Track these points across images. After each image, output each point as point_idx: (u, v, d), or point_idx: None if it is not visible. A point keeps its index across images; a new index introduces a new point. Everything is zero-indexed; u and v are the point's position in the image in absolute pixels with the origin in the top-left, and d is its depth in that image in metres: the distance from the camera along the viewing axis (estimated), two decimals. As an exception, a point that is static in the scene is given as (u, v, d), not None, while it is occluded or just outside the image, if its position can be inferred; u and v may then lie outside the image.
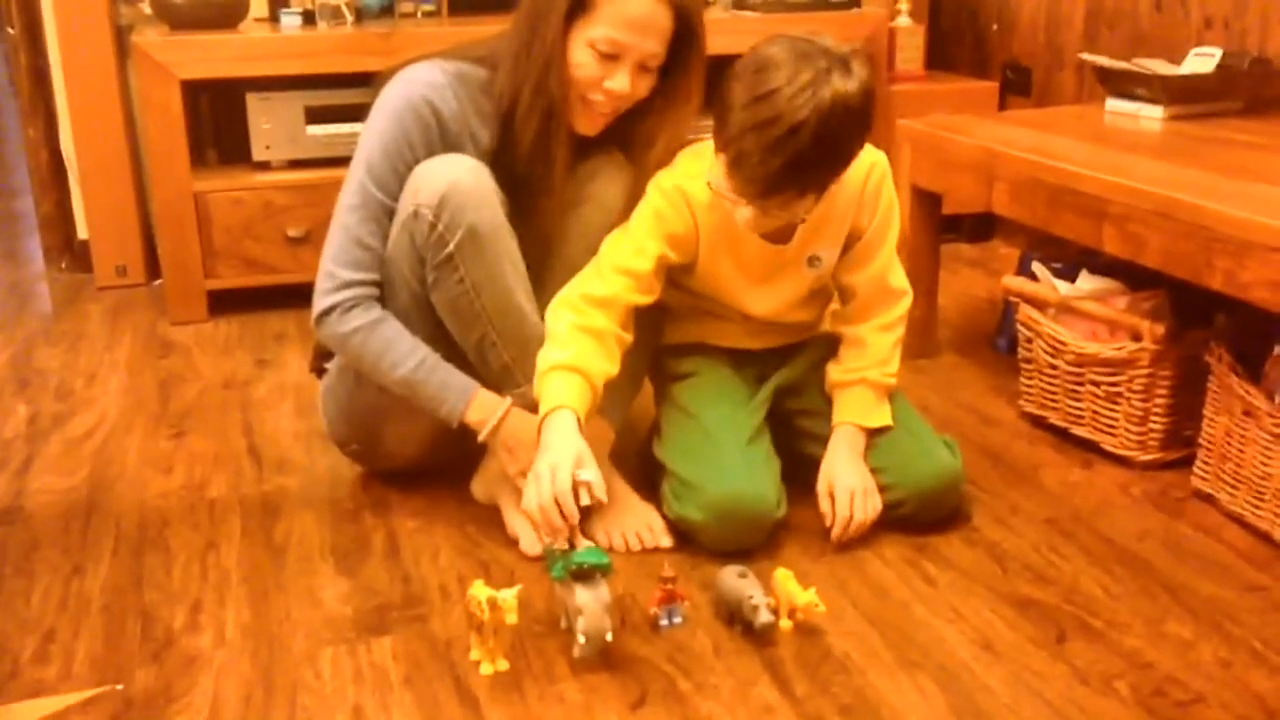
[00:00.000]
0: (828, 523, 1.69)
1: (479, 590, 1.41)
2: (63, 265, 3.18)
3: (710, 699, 1.38)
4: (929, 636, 1.49)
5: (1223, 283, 1.67)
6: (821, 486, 1.72)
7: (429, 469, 1.89)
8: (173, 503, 1.88)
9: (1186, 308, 1.94)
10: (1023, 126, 2.29)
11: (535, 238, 1.71)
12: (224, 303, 2.79)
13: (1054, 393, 2.05)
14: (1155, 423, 1.91)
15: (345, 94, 2.73)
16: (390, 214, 1.66)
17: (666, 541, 1.70)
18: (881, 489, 1.71)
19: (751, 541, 1.66)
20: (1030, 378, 2.11)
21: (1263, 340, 1.73)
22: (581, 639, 1.40)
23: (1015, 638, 1.49)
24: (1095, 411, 1.98)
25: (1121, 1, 2.82)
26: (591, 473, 1.47)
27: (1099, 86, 2.47)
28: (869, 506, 1.69)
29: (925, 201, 2.35)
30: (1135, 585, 1.61)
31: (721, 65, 1.58)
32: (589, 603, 1.39)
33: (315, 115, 2.77)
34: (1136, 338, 1.90)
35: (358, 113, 1.84)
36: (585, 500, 1.45)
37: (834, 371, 1.78)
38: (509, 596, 1.39)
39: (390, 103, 1.66)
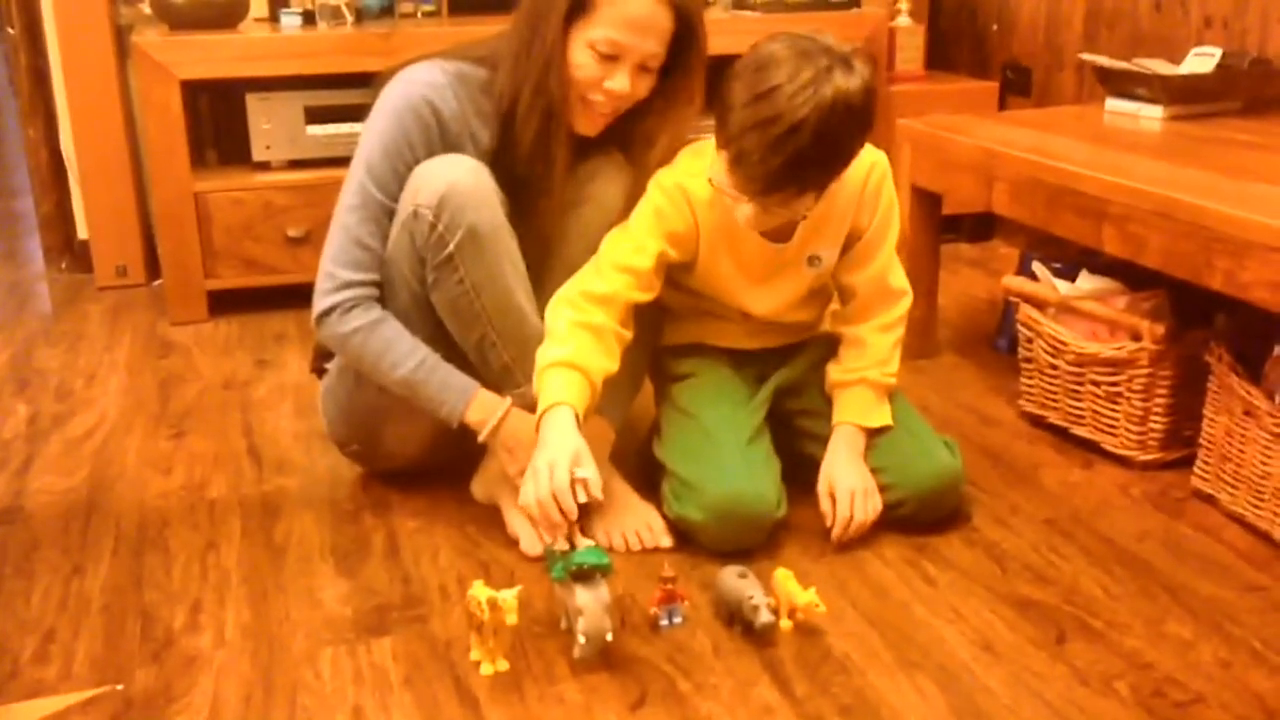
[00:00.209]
0: (828, 523, 1.69)
1: (479, 590, 1.41)
2: (63, 265, 3.18)
3: (710, 699, 1.38)
4: (929, 637, 1.49)
5: (1223, 283, 1.67)
6: (822, 487, 1.72)
7: (429, 469, 1.89)
8: (173, 503, 1.89)
9: (1186, 308, 1.94)
10: (1023, 126, 2.29)
11: (535, 238, 1.71)
12: (224, 303, 2.79)
13: (1054, 393, 2.05)
14: (1155, 423, 1.91)
15: (345, 94, 2.73)
16: (390, 214, 1.66)
17: (666, 541, 1.70)
18: (881, 489, 1.71)
19: (751, 542, 1.66)
20: (1030, 377, 2.11)
21: (1263, 340, 1.73)
22: (581, 639, 1.40)
23: (1015, 638, 1.49)
24: (1095, 411, 1.98)
25: (1121, 1, 2.82)
26: (589, 470, 1.47)
27: (1099, 86, 2.47)
28: (869, 507, 1.69)
29: (925, 201, 2.35)
30: (1135, 585, 1.61)
31: (722, 65, 1.58)
32: (589, 603, 1.39)
33: (315, 115, 2.77)
34: (1136, 338, 1.90)
35: (358, 113, 1.84)
36: (583, 497, 1.45)
37: (834, 371, 1.78)
38: (509, 597, 1.39)
39: (390, 103, 1.66)
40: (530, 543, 1.68)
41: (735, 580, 1.50)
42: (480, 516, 1.79)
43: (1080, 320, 2.01)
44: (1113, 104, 2.40)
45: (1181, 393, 1.89)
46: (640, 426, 1.92)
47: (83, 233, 3.13)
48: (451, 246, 1.60)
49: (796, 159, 1.47)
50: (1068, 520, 1.78)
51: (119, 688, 1.42)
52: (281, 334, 2.68)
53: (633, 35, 1.59)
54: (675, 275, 1.74)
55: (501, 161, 1.67)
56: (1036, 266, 2.15)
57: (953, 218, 3.01)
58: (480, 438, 1.68)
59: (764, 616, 1.44)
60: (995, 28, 3.27)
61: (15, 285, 3.12)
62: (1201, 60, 2.34)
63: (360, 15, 2.89)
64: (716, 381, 1.79)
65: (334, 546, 1.74)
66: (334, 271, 1.67)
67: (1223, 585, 1.61)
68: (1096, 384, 1.96)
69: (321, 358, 1.87)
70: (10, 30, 3.00)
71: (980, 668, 1.43)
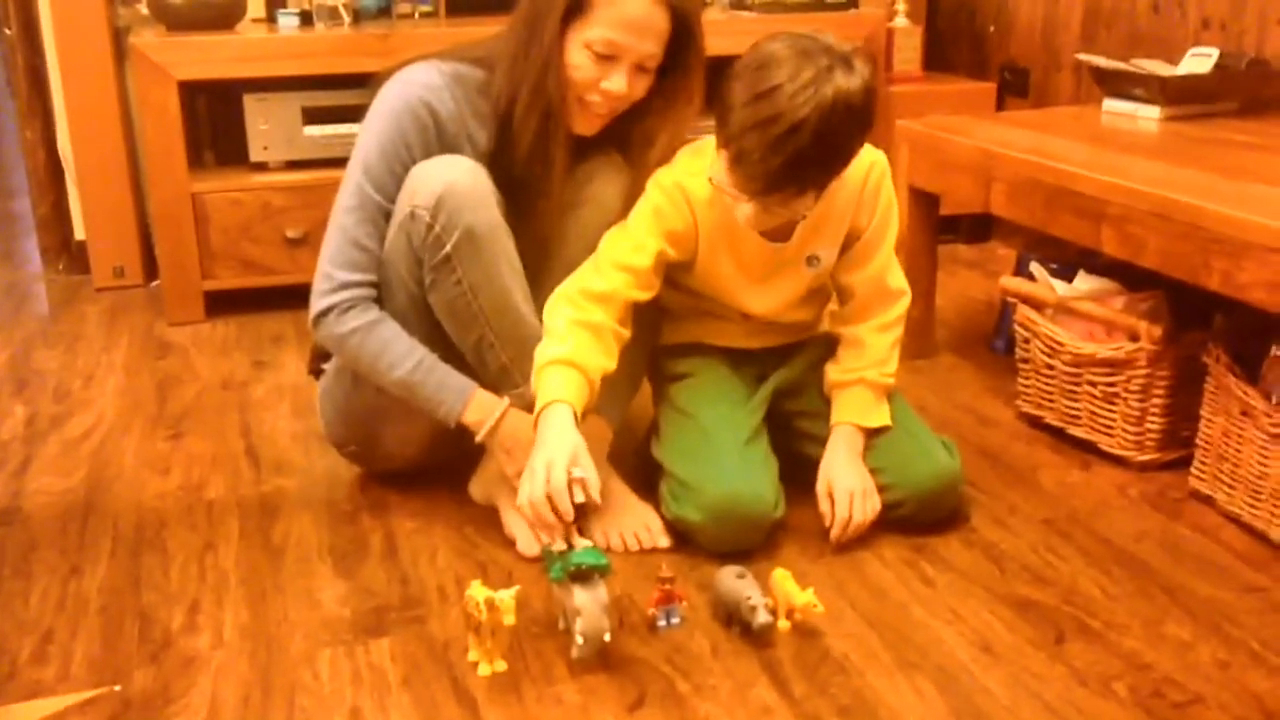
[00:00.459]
0: (827, 523, 1.69)
1: (477, 591, 1.41)
2: (60, 266, 3.18)
3: (708, 700, 1.38)
4: (927, 637, 1.49)
5: (1220, 283, 1.67)
6: (821, 487, 1.72)
7: (427, 470, 1.88)
8: (170, 504, 1.88)
9: (1184, 308, 1.94)
10: (1020, 127, 2.29)
11: (533, 239, 1.71)
12: (221, 304, 2.79)
13: (1051, 393, 2.05)
14: (1153, 423, 1.92)
15: (343, 95, 2.73)
16: (387, 215, 1.66)
17: (664, 542, 1.70)
18: (880, 489, 1.71)
19: (749, 542, 1.66)
20: (1028, 378, 2.11)
21: (1260, 341, 1.73)
22: (579, 640, 1.40)
23: (1013, 639, 1.49)
24: (1093, 412, 1.98)
25: (1119, 2, 2.82)
26: (587, 470, 1.47)
27: (1096, 87, 2.47)
28: (868, 507, 1.69)
29: (923, 202, 2.35)
30: (1133, 586, 1.61)
31: (720, 66, 1.58)
32: (587, 603, 1.39)
33: (313, 116, 2.77)
34: (1134, 338, 1.90)
35: (355, 113, 1.83)
36: (580, 497, 1.45)
37: (832, 372, 1.78)
38: (507, 597, 1.39)
39: (387, 104, 1.66)
40: (528, 543, 1.68)
41: (733, 581, 1.50)
42: (478, 517, 1.79)
43: (1078, 321, 2.01)
44: (1110, 105, 2.40)
45: (1179, 393, 1.89)
46: (638, 426, 1.92)
47: (80, 234, 3.12)
48: (449, 247, 1.60)
49: (797, 158, 1.47)
50: (1066, 521, 1.78)
51: (117, 689, 1.42)
52: (279, 335, 2.68)
53: (630, 35, 1.59)
54: (674, 275, 1.74)
55: (499, 162, 1.67)
56: (1034, 267, 2.16)
57: (950, 218, 3.01)
58: (478, 438, 1.68)
59: (762, 617, 1.44)
60: (993, 29, 3.28)
61: (13, 286, 3.12)
62: (1199, 61, 2.35)
63: (358, 16, 2.89)
64: (715, 381, 1.79)
65: (332, 547, 1.74)
66: (331, 272, 1.67)
67: (1221, 586, 1.61)
68: (1094, 384, 1.96)
69: (319, 358, 1.87)
70: (8, 31, 3.00)
71: (979, 668, 1.43)
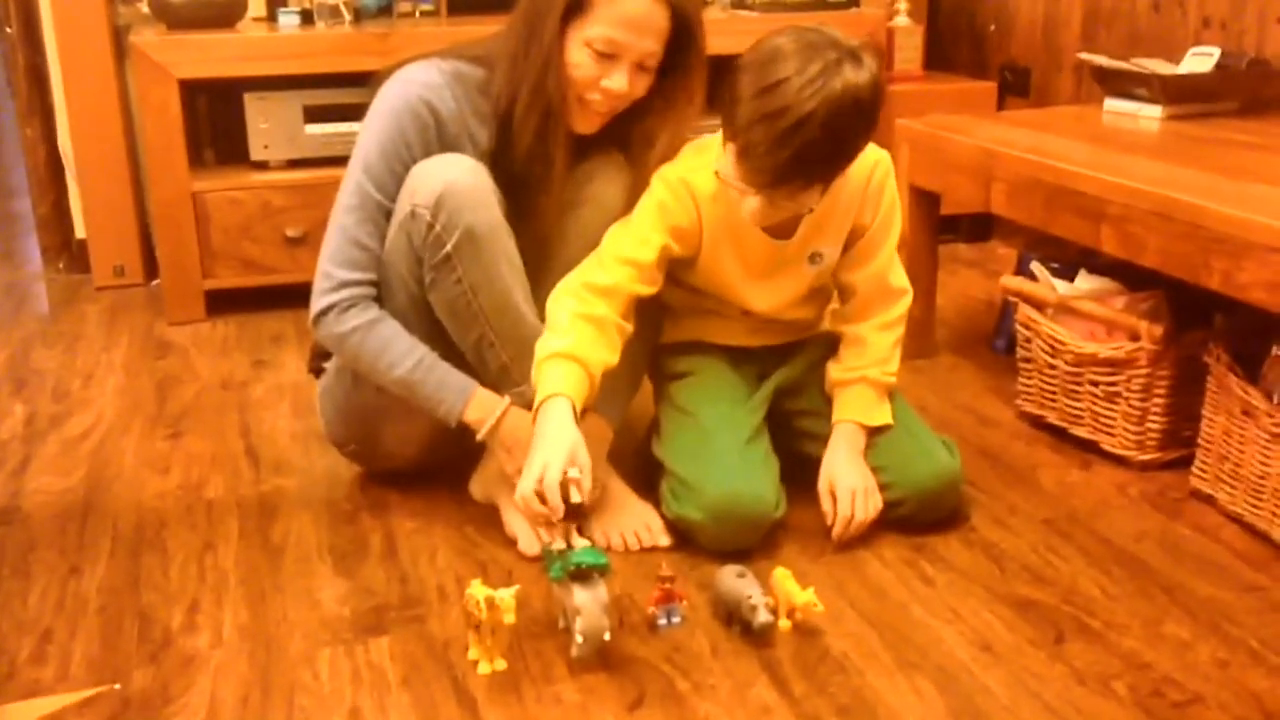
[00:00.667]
0: (829, 521, 1.69)
1: (477, 590, 1.41)
2: (60, 265, 3.18)
3: (708, 699, 1.38)
4: (927, 637, 1.49)
5: (1221, 283, 1.67)
6: (822, 485, 1.72)
7: (427, 469, 1.88)
8: (170, 503, 1.88)
9: (1185, 308, 1.94)
10: (1021, 127, 2.29)
11: (533, 238, 1.70)
12: (222, 303, 2.79)
13: (1052, 393, 2.05)
14: (1153, 423, 1.91)
15: (343, 93, 2.73)
16: (388, 214, 1.66)
17: (665, 541, 1.70)
18: (880, 488, 1.71)
19: (750, 541, 1.66)
20: (1029, 377, 2.11)
21: (1261, 340, 1.73)
22: (579, 639, 1.40)
23: (1013, 638, 1.49)
24: (1094, 411, 1.98)
25: (1119, 2, 2.82)
26: (583, 467, 1.47)
27: (1097, 87, 2.47)
28: (870, 505, 1.69)
29: (923, 201, 2.35)
30: (1133, 586, 1.61)
31: (721, 65, 1.58)
32: (587, 603, 1.39)
33: (313, 115, 2.77)
34: (1135, 338, 1.90)
35: (356, 112, 1.83)
36: (575, 497, 1.45)
37: (834, 370, 1.78)
38: (507, 596, 1.39)
39: (388, 103, 1.66)
40: (528, 542, 1.68)
41: (734, 580, 1.50)
42: (478, 516, 1.79)
43: (1078, 320, 2.01)
44: (1111, 104, 2.40)
45: (1180, 393, 1.89)
46: (639, 425, 1.92)
47: (80, 233, 3.12)
48: (449, 246, 1.60)
49: (804, 152, 1.47)
50: (1066, 520, 1.78)
51: (116, 688, 1.42)
52: (279, 334, 2.68)
53: (630, 34, 1.59)
54: (676, 271, 1.74)
55: (500, 162, 1.67)
56: (1035, 266, 2.15)
57: (951, 218, 3.01)
58: (478, 437, 1.68)
59: (762, 616, 1.44)
60: (993, 28, 3.28)
61: (13, 285, 3.12)
62: (1200, 60, 2.34)
63: (358, 14, 2.88)
64: (716, 380, 1.79)
65: (332, 547, 1.74)
66: (331, 271, 1.67)
67: (1221, 585, 1.61)
68: (1095, 384, 1.96)
69: (319, 358, 1.87)
70: (8, 30, 3.00)
71: (978, 668, 1.43)
